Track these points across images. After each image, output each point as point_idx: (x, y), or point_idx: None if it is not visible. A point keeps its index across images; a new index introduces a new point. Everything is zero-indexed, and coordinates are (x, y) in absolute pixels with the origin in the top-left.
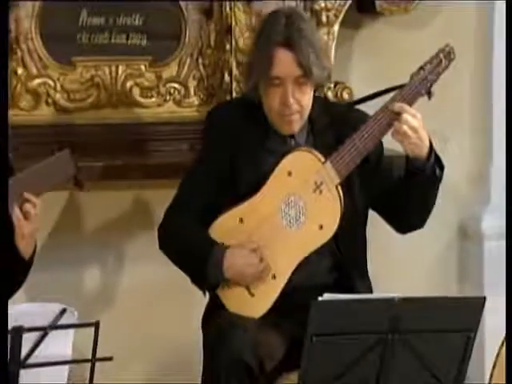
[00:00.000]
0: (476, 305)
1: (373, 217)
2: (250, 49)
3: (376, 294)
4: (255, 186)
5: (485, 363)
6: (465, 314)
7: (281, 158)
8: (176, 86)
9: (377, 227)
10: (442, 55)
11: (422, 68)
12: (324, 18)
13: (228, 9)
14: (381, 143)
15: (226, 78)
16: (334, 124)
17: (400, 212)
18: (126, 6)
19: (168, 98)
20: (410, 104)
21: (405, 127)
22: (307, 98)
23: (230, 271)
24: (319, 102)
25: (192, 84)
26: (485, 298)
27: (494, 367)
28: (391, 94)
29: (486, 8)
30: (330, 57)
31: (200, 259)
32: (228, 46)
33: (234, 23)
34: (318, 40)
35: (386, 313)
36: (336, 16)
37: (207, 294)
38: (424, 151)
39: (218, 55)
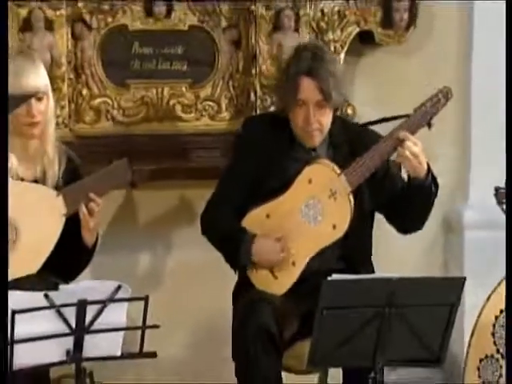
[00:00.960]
0: (458, 283)
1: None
2: (279, 75)
3: (375, 274)
4: (281, 188)
5: (464, 332)
6: (449, 291)
7: (303, 167)
8: (211, 103)
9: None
10: (440, 95)
11: (423, 104)
12: (332, 48)
13: (253, 40)
14: (387, 161)
15: (252, 97)
16: (350, 140)
17: (402, 217)
18: (170, 39)
19: (204, 113)
20: (413, 133)
21: (407, 152)
22: (326, 118)
23: (257, 256)
24: (338, 121)
25: (224, 102)
26: (465, 278)
27: (471, 335)
28: (396, 121)
29: (466, 37)
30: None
31: (233, 244)
32: (253, 71)
33: (258, 52)
34: (337, 70)
35: (384, 290)
36: (342, 46)
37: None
38: (422, 173)
39: (245, 79)
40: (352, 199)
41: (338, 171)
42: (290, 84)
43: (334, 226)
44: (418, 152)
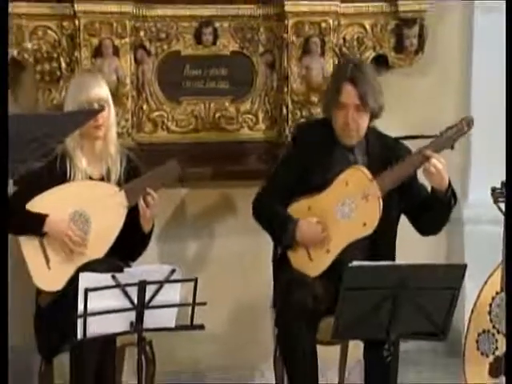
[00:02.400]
0: (459, 269)
1: None
2: (327, 83)
3: (389, 262)
4: (322, 185)
5: (465, 311)
6: (452, 276)
7: (343, 169)
8: (249, 116)
9: None
10: (464, 123)
11: (449, 129)
12: None
13: (285, 63)
14: (415, 172)
15: (284, 111)
16: (383, 150)
17: (423, 222)
18: (215, 62)
19: (244, 125)
20: (438, 152)
21: (432, 168)
22: (363, 121)
23: (301, 235)
24: (374, 132)
25: (260, 115)
26: (466, 265)
27: (471, 313)
28: (423, 141)
29: (466, 61)
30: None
31: (280, 227)
32: (285, 89)
33: (289, 73)
34: (375, 81)
35: (396, 274)
36: None
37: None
38: (444, 187)
39: (278, 95)
40: (381, 203)
41: (371, 177)
42: (334, 89)
43: (365, 224)
44: (442, 169)
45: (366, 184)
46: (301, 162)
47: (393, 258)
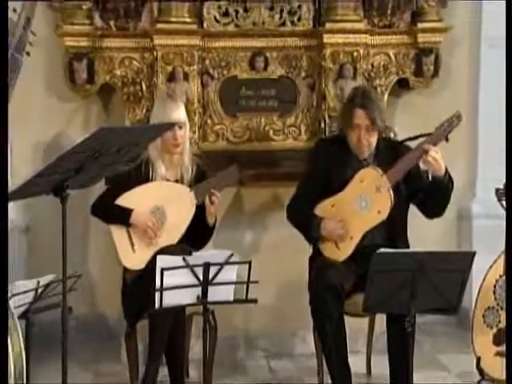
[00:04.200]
0: (469, 256)
1: None
2: (342, 108)
3: (410, 249)
4: (341, 187)
5: (473, 290)
6: (462, 261)
7: (357, 171)
8: (293, 129)
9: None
10: (454, 118)
11: (442, 124)
12: (379, 90)
13: (323, 85)
14: (418, 166)
15: (322, 124)
16: (390, 152)
17: (428, 206)
18: (266, 85)
19: (289, 136)
20: (435, 145)
21: (430, 158)
22: (373, 138)
23: (325, 231)
24: (383, 141)
25: (303, 128)
26: (474, 252)
27: (478, 293)
28: (422, 138)
29: (474, 83)
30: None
31: (308, 225)
32: (323, 107)
33: (326, 94)
34: (381, 105)
35: (416, 259)
36: (386, 89)
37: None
38: (442, 173)
39: (317, 112)
40: (391, 192)
41: (381, 172)
42: (348, 113)
43: (379, 212)
44: (438, 158)
45: (378, 179)
46: (322, 171)
47: (406, 240)
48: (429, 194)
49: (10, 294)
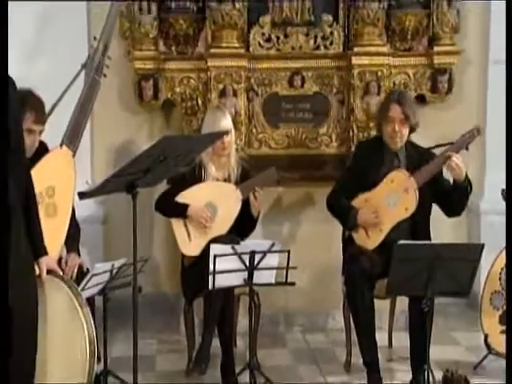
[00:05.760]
0: (478, 247)
1: None
2: (379, 105)
3: (427, 241)
4: (375, 183)
5: (481, 277)
6: (473, 251)
7: (389, 171)
8: (326, 137)
9: None
10: (475, 130)
11: (464, 135)
12: None
13: (352, 100)
14: (441, 171)
15: (350, 133)
16: (417, 156)
17: (448, 206)
18: (302, 99)
19: (322, 143)
20: (457, 152)
21: (453, 164)
22: (405, 131)
23: (360, 219)
24: (412, 144)
25: (334, 137)
26: (483, 244)
27: (486, 278)
28: (446, 146)
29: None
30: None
31: (346, 214)
32: (351, 119)
33: (354, 107)
34: (414, 105)
35: (432, 249)
36: None
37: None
38: (462, 178)
39: (346, 123)
40: (417, 193)
41: (408, 175)
42: (385, 107)
43: (406, 209)
44: (460, 164)
45: (406, 180)
46: (359, 169)
47: (428, 236)
48: (450, 195)
49: (90, 275)
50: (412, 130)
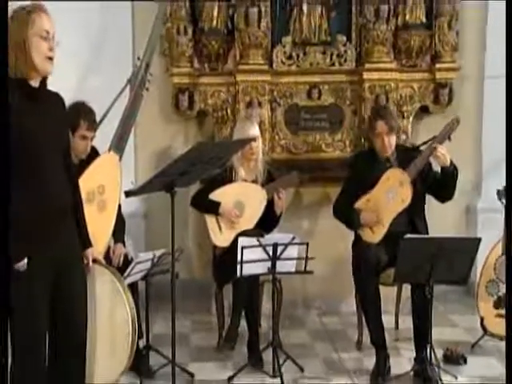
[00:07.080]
0: (475, 241)
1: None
2: (367, 122)
3: (430, 235)
4: (373, 184)
5: (478, 267)
6: (471, 245)
7: (383, 172)
8: (340, 143)
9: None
10: (454, 121)
11: (445, 127)
12: (405, 115)
13: (363, 111)
14: (429, 162)
15: (362, 140)
16: (407, 155)
17: (439, 191)
18: (319, 110)
19: (337, 149)
20: (441, 143)
21: (439, 154)
22: (392, 140)
23: (363, 222)
24: (401, 146)
25: (347, 143)
26: (480, 238)
27: (482, 268)
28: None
29: (478, 109)
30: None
31: (351, 218)
32: (363, 127)
33: (365, 117)
34: (394, 113)
35: (435, 243)
36: (410, 114)
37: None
38: (448, 164)
39: (359, 130)
40: (411, 185)
41: (402, 171)
42: (372, 125)
43: (402, 200)
44: (445, 153)
45: (400, 176)
46: (358, 177)
47: (424, 223)
48: (440, 182)
49: (134, 263)
50: (396, 133)
